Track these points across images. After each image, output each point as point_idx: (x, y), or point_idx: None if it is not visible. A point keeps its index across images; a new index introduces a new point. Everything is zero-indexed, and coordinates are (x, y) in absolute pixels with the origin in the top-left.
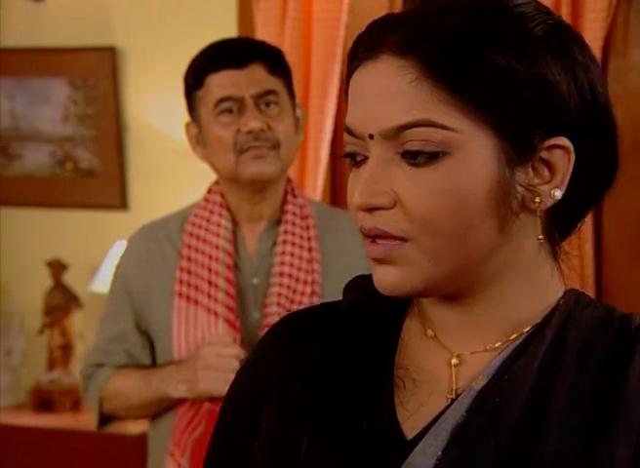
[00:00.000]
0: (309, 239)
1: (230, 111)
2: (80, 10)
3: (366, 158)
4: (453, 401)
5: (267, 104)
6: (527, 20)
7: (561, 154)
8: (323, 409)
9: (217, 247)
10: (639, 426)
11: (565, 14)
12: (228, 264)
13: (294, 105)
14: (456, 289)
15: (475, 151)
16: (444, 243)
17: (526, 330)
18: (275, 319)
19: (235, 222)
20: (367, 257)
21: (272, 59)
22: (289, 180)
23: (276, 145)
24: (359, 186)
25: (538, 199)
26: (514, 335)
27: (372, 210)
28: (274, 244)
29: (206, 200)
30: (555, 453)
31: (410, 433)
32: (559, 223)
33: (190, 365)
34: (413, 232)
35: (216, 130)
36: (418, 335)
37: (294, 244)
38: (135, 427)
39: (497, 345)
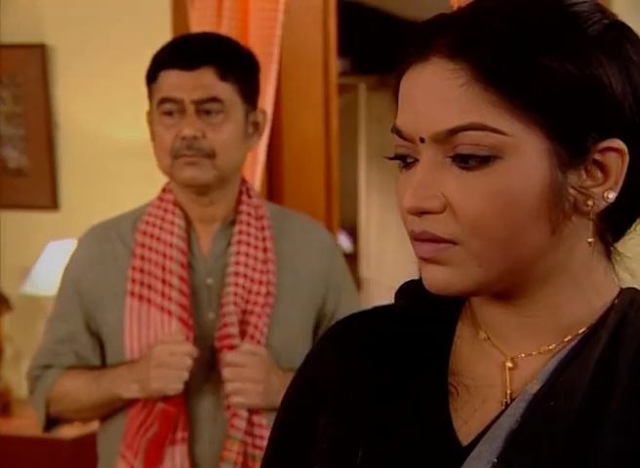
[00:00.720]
0: (264, 239)
1: (171, 113)
2: (9, 6)
3: (416, 160)
4: (507, 406)
5: (209, 112)
6: (581, 21)
7: (615, 156)
8: (377, 418)
9: (170, 245)
10: None
11: None
12: (182, 263)
13: (249, 110)
14: (507, 288)
15: (527, 154)
16: (494, 246)
17: (581, 331)
18: (232, 319)
19: (189, 222)
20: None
21: (227, 64)
22: (244, 181)
23: (210, 154)
24: (409, 190)
25: (590, 202)
26: (569, 337)
27: (422, 213)
28: (229, 244)
29: (160, 199)
30: (612, 457)
31: (465, 439)
32: (612, 225)
33: (142, 364)
34: (462, 236)
35: (158, 129)
36: (470, 340)
37: (248, 244)
38: (69, 431)
39: (551, 347)
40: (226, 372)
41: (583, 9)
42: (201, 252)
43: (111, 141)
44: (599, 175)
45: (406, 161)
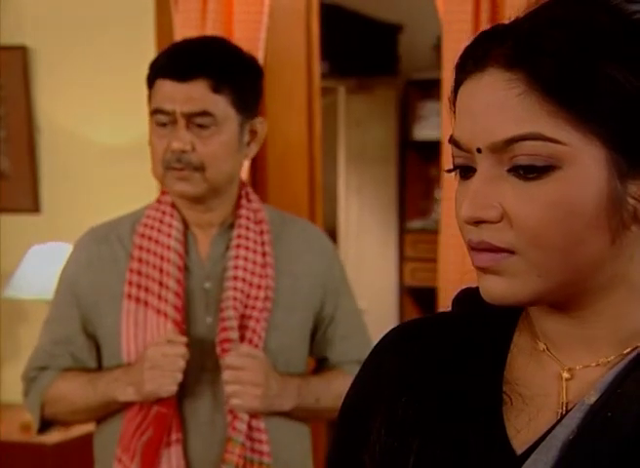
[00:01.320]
0: (263, 244)
1: (164, 124)
2: None
3: (474, 170)
4: (563, 416)
5: (200, 124)
6: None
7: None
8: (430, 424)
9: (168, 247)
10: None
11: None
12: (179, 265)
13: (245, 120)
14: (565, 299)
15: (585, 164)
16: (552, 256)
17: None
18: (232, 323)
19: (187, 225)
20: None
21: (221, 75)
22: (243, 185)
23: (200, 167)
24: (466, 199)
25: None
26: (628, 349)
27: (479, 223)
28: (227, 248)
29: (158, 201)
30: None
31: (519, 448)
32: None
33: (137, 367)
34: (520, 245)
35: (152, 138)
36: (527, 350)
37: (247, 248)
38: (52, 436)
39: (610, 359)
40: (226, 375)
41: None
42: (199, 255)
43: (93, 144)
44: None
45: (465, 172)
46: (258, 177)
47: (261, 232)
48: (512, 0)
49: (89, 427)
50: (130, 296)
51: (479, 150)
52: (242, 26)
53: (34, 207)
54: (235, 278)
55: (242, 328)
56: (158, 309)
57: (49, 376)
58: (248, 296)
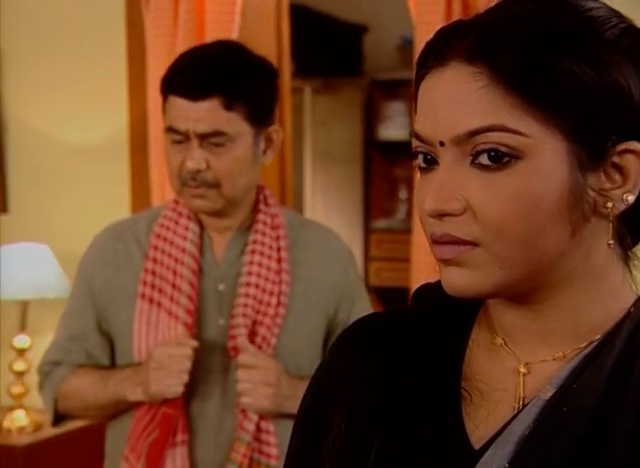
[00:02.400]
0: (279, 249)
1: (179, 141)
2: None
3: (435, 165)
4: (520, 410)
5: (215, 143)
6: (598, 25)
7: (633, 159)
8: (390, 420)
9: (183, 250)
10: None
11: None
12: (193, 268)
13: (259, 131)
14: (525, 291)
15: (547, 156)
16: (515, 248)
17: (596, 338)
18: (241, 331)
19: (202, 226)
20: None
21: (234, 91)
22: (261, 189)
23: (214, 185)
24: (430, 193)
25: (610, 204)
26: (584, 344)
27: (442, 216)
28: (242, 251)
29: (176, 202)
30: (623, 465)
31: (477, 443)
32: (631, 228)
33: (145, 367)
34: (484, 238)
35: (168, 153)
36: (486, 344)
37: (262, 254)
38: (21, 438)
39: (566, 353)
40: (239, 373)
41: (600, 14)
42: (214, 257)
43: (62, 144)
44: (618, 177)
45: (426, 160)
46: None
47: (278, 237)
48: (483, 0)
49: (59, 430)
50: (144, 296)
51: (442, 143)
52: (214, 26)
53: (2, 207)
54: (248, 284)
55: (253, 334)
56: (170, 311)
57: (63, 372)
58: (260, 302)
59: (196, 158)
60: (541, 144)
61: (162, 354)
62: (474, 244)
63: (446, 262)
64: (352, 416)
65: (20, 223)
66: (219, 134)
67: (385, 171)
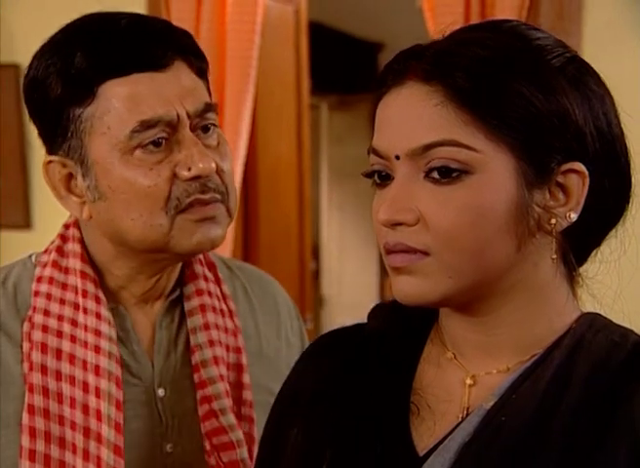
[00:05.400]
0: (231, 315)
1: (157, 143)
2: None
3: (389, 180)
4: (463, 419)
5: (205, 128)
6: (545, 53)
7: (576, 178)
8: (342, 434)
9: (96, 346)
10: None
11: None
12: (117, 375)
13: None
14: (472, 302)
15: (496, 172)
16: (464, 258)
17: (538, 352)
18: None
19: (115, 300)
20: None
21: (197, 51)
22: None
23: (224, 198)
24: (384, 204)
25: (554, 220)
26: (527, 357)
27: (395, 225)
28: (179, 329)
29: (59, 251)
30: None
31: (422, 452)
32: (575, 246)
33: None
34: (435, 247)
35: (136, 175)
36: (437, 359)
37: (217, 327)
38: None
39: (510, 366)
40: None
41: (547, 43)
42: (141, 345)
43: None
44: (561, 195)
45: (381, 175)
46: (249, 193)
47: (224, 297)
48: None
49: None
50: (33, 432)
51: (397, 157)
52: (234, 45)
53: (26, 223)
54: (203, 386)
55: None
56: (84, 454)
57: None
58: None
59: (203, 152)
60: (491, 160)
61: None
62: (425, 253)
63: (398, 271)
64: (308, 430)
65: (43, 239)
66: (210, 108)
67: None
